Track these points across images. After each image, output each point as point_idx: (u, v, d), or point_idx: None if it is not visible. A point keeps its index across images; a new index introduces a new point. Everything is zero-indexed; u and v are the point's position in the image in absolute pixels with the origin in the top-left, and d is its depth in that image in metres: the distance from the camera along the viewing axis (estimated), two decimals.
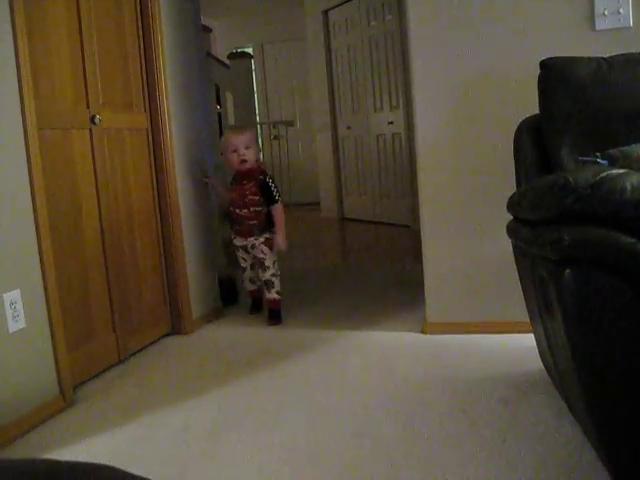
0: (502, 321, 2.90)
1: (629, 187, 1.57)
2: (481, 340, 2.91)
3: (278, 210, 3.63)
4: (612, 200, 1.55)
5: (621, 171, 1.69)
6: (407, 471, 1.84)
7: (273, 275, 3.62)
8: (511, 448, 1.91)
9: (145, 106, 3.37)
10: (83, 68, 2.89)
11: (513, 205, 1.96)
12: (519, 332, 2.72)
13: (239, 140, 3.53)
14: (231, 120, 6.47)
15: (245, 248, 3.70)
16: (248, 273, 3.81)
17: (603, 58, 2.32)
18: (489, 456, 1.88)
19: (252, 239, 3.62)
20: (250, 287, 3.87)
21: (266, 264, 3.61)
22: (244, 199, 3.57)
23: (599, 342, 1.55)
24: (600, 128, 2.27)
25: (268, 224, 3.64)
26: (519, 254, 2.11)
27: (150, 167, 3.39)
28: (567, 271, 1.56)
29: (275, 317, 3.58)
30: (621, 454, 1.60)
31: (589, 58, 2.33)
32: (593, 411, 1.63)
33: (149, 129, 3.38)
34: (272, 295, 3.62)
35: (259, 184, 3.57)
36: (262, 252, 3.61)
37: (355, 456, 1.95)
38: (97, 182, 2.94)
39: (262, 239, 3.61)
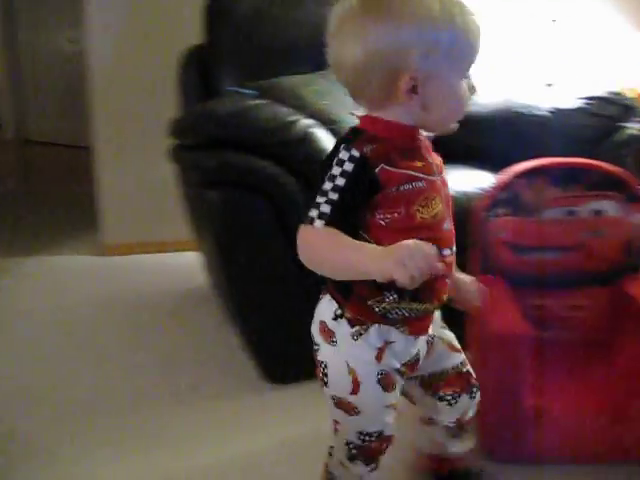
0: (176, 240, 3.05)
1: (263, 116, 1.79)
2: (156, 259, 3.06)
3: None
4: (249, 127, 1.75)
5: (259, 102, 1.91)
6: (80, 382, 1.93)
7: None
8: (178, 353, 2.11)
9: None
10: None
11: (171, 131, 2.09)
12: (191, 250, 2.89)
13: None
14: None
15: None
16: None
17: None
18: (160, 361, 2.05)
19: None
20: None
21: None
22: None
23: (243, 255, 1.77)
24: (261, 61, 2.43)
25: None
26: (179, 177, 2.25)
27: None
28: (212, 193, 1.74)
29: None
30: (261, 352, 1.88)
31: None
32: (241, 317, 1.87)
33: None
34: None
35: None
36: None
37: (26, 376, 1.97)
38: None
39: None
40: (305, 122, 1.81)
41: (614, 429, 1.41)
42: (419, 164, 1.01)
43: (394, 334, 1.05)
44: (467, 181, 1.97)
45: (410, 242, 0.89)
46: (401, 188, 0.98)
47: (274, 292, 1.78)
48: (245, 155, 1.73)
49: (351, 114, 1.09)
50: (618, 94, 2.21)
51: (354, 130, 1.03)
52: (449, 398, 1.20)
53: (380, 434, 1.12)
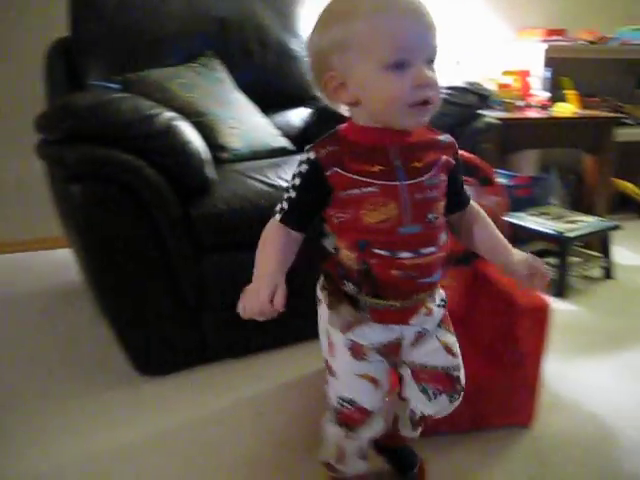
0: (49, 237, 2.96)
1: (125, 109, 1.77)
2: (27, 257, 2.97)
3: None
4: (109, 121, 1.73)
5: (121, 95, 1.89)
6: None
7: None
8: (50, 351, 2.06)
9: None
10: None
11: (36, 126, 2.03)
12: (64, 247, 2.81)
13: None
14: None
15: None
16: None
17: None
18: (30, 359, 2.00)
19: None
20: None
21: None
22: None
23: (107, 249, 1.75)
24: (127, 54, 2.40)
25: None
26: (47, 173, 2.19)
27: None
28: (74, 187, 1.71)
29: None
30: (131, 345, 1.87)
31: None
32: (109, 311, 1.85)
33: None
34: None
35: None
36: None
37: None
38: None
39: None
40: (167, 115, 1.81)
41: (475, 400, 1.48)
42: (377, 168, 1.01)
43: (361, 318, 1.11)
44: None
45: (250, 287, 1.04)
46: (349, 192, 1.01)
47: (141, 285, 1.77)
48: (106, 148, 1.71)
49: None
50: (476, 84, 2.32)
51: (333, 130, 1.07)
52: (430, 393, 1.22)
53: (353, 402, 1.18)
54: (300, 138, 2.53)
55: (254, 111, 2.38)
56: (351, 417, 1.20)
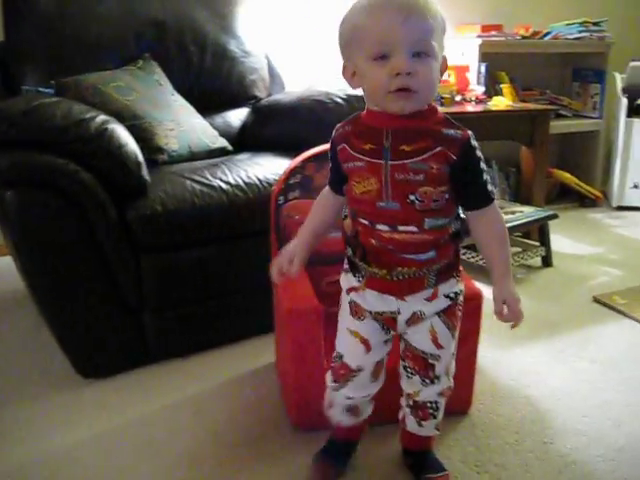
0: None
1: (59, 114, 1.77)
2: None
3: None
4: (43, 126, 1.73)
5: (54, 99, 1.88)
6: None
7: None
8: None
9: None
10: None
11: None
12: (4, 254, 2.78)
13: None
14: None
15: None
16: None
17: None
18: None
19: None
20: None
21: None
22: None
23: (42, 253, 1.74)
24: (63, 58, 2.37)
25: None
26: None
27: None
28: (8, 193, 1.70)
29: None
30: (71, 348, 1.87)
31: None
32: (47, 315, 1.84)
33: None
34: None
35: None
36: None
37: None
38: None
39: None
40: (102, 118, 1.81)
41: (389, 391, 1.50)
42: (368, 146, 1.15)
43: (359, 285, 1.28)
44: (268, 168, 2.05)
45: (282, 251, 1.33)
46: (348, 165, 1.19)
47: (79, 288, 1.77)
48: (41, 154, 1.71)
49: None
50: None
51: (357, 112, 1.23)
52: (408, 371, 1.33)
53: (341, 357, 1.34)
54: (239, 138, 2.55)
55: (192, 113, 2.39)
56: (337, 371, 1.35)
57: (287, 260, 1.30)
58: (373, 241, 1.21)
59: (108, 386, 1.85)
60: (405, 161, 1.12)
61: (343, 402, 1.38)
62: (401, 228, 1.17)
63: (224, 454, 1.54)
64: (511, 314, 1.19)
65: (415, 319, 1.26)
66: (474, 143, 1.14)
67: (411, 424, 1.41)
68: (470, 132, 1.14)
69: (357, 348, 1.30)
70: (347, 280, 1.30)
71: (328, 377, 1.39)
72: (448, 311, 1.27)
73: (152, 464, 1.51)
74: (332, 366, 1.37)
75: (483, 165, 1.16)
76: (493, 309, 1.19)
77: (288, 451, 1.55)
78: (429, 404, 1.36)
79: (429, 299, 1.24)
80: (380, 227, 1.19)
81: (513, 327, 1.20)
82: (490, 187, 1.19)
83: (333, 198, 1.30)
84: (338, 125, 1.24)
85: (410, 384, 1.35)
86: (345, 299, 1.31)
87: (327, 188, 1.32)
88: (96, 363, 1.87)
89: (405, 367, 1.34)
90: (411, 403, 1.38)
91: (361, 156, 1.16)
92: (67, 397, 1.80)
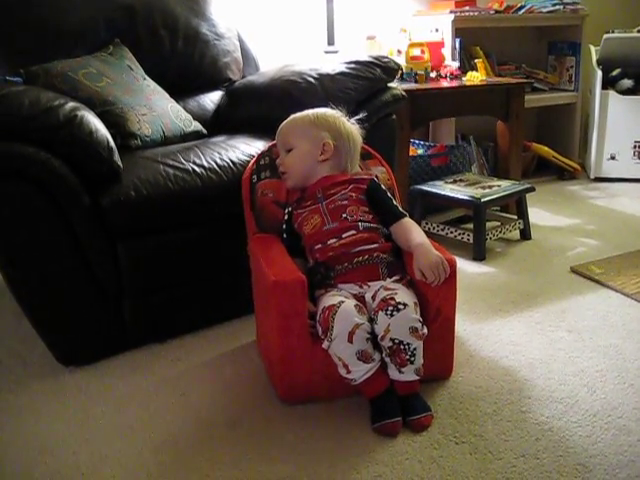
0: None
1: (27, 102, 1.75)
2: None
3: None
4: (11, 115, 1.71)
5: (22, 88, 1.86)
6: None
7: None
8: None
9: None
10: None
11: None
12: None
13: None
14: None
15: None
16: None
17: None
18: None
19: None
20: None
21: None
22: None
23: (16, 242, 1.73)
24: (32, 46, 2.33)
25: None
26: None
27: None
28: None
29: None
30: (49, 337, 1.87)
31: None
32: (24, 305, 1.84)
33: None
34: None
35: None
36: None
37: None
38: None
39: None
40: (71, 105, 1.79)
41: None
42: (309, 202, 1.74)
43: (331, 286, 1.64)
44: (242, 150, 2.05)
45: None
46: (298, 220, 1.74)
47: (56, 277, 1.77)
48: (10, 142, 1.69)
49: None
50: (382, 57, 2.36)
51: None
52: (376, 316, 1.53)
53: (323, 308, 1.54)
54: (213, 121, 2.54)
55: (165, 97, 2.37)
56: (324, 319, 1.52)
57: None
58: (330, 253, 1.65)
59: (89, 373, 1.85)
60: (334, 197, 1.71)
61: (346, 349, 1.50)
62: (345, 235, 1.66)
63: (208, 435, 1.55)
64: (437, 271, 1.56)
65: (376, 292, 1.60)
66: (377, 181, 1.76)
67: (392, 372, 1.55)
68: (374, 176, 1.79)
69: (337, 299, 1.55)
70: (322, 290, 1.64)
71: (325, 345, 1.52)
72: (398, 279, 1.65)
73: (136, 448, 1.52)
74: (318, 321, 1.54)
75: (390, 195, 1.75)
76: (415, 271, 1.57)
77: (276, 427, 1.57)
78: (402, 347, 1.52)
79: (384, 285, 1.62)
80: (330, 241, 1.66)
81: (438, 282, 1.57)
82: (400, 208, 1.72)
83: (297, 260, 1.66)
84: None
85: (380, 325, 1.52)
86: (323, 298, 1.60)
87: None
88: (76, 350, 1.87)
89: (373, 314, 1.54)
90: (387, 347, 1.52)
91: (303, 210, 1.73)
92: (49, 385, 1.80)
